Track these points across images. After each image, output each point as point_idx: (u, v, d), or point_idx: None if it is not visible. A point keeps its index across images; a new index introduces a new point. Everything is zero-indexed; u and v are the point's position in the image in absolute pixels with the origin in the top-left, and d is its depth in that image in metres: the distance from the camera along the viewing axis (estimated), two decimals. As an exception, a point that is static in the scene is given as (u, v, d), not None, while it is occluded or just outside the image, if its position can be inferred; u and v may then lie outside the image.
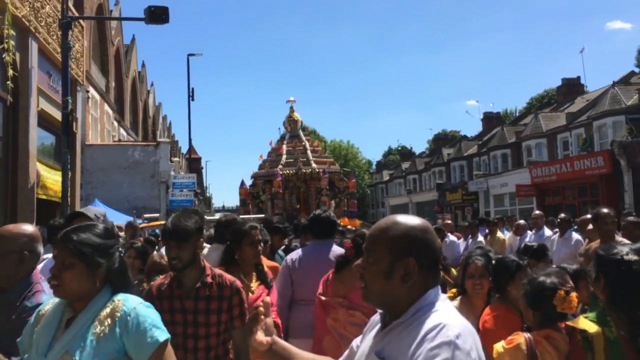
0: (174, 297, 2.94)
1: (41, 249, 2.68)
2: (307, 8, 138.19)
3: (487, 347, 2.43)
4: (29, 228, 2.66)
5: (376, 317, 1.71)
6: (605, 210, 5.17)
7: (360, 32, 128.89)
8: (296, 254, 4.52)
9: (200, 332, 2.91)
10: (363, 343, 1.71)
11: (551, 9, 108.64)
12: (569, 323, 2.48)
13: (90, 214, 3.19)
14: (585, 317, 2.36)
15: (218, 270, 3.06)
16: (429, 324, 1.47)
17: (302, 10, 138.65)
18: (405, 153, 61.97)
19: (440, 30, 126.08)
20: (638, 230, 5.98)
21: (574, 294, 2.61)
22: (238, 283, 3.01)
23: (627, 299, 2.29)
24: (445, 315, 1.50)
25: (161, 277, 3.07)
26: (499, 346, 2.58)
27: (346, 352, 1.88)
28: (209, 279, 2.96)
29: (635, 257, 2.41)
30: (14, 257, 2.52)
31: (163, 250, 5.17)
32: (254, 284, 3.69)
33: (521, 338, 2.54)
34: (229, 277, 3.01)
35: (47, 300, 2.23)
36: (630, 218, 6.28)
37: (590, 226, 5.91)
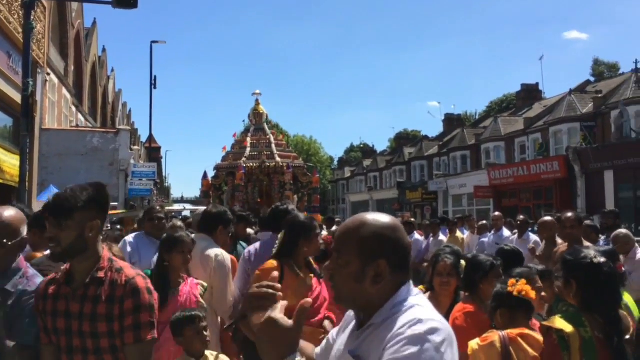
0: (60, 297, 2.21)
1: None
2: (272, 3, 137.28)
3: (457, 344, 2.49)
4: (21, 213, 2.56)
5: (351, 313, 1.68)
6: (568, 214, 5.31)
7: (323, 29, 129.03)
8: (254, 247, 4.51)
9: (88, 344, 2.17)
10: (339, 340, 1.68)
11: (510, 16, 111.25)
12: (544, 323, 2.55)
13: None
14: (561, 318, 2.44)
15: (121, 263, 2.32)
16: (402, 320, 1.45)
17: (267, 5, 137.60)
18: (367, 151, 62.44)
19: (402, 31, 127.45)
20: (594, 234, 6.22)
21: (523, 280, 2.71)
22: (139, 282, 2.23)
23: (600, 301, 2.36)
24: (419, 311, 1.47)
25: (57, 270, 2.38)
26: (473, 343, 2.64)
27: (323, 343, 1.85)
28: (101, 274, 2.21)
29: (603, 259, 2.50)
30: (17, 243, 2.43)
31: (130, 237, 5.05)
32: (309, 278, 3.65)
33: (495, 336, 2.59)
34: (129, 272, 2.26)
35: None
36: (587, 222, 6.50)
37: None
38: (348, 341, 1.60)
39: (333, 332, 1.82)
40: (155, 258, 4.70)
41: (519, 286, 2.69)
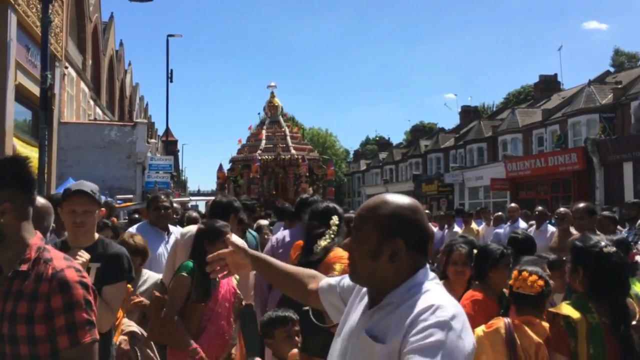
0: None
1: None
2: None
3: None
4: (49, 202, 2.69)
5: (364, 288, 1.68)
6: (578, 205, 5.34)
7: (338, 22, 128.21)
8: (282, 235, 4.58)
9: (7, 350, 1.82)
10: (351, 316, 1.68)
11: (528, 6, 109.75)
12: (551, 309, 2.55)
13: (86, 189, 2.83)
14: (568, 304, 2.44)
15: (53, 253, 1.93)
16: (421, 304, 1.46)
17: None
18: (382, 143, 62.24)
19: (417, 23, 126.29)
20: (612, 224, 6.16)
21: (526, 273, 2.69)
22: (68, 274, 1.85)
23: (608, 289, 2.37)
24: (437, 296, 1.49)
25: None
26: (479, 330, 2.65)
27: (335, 280, 1.93)
28: (24, 267, 1.85)
29: (613, 249, 2.50)
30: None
31: (134, 228, 5.09)
32: None
33: (500, 322, 2.61)
34: (58, 263, 1.88)
35: None
36: (605, 213, 6.45)
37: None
38: (361, 320, 1.60)
39: (346, 278, 1.83)
40: (161, 249, 4.76)
41: (518, 282, 2.68)
